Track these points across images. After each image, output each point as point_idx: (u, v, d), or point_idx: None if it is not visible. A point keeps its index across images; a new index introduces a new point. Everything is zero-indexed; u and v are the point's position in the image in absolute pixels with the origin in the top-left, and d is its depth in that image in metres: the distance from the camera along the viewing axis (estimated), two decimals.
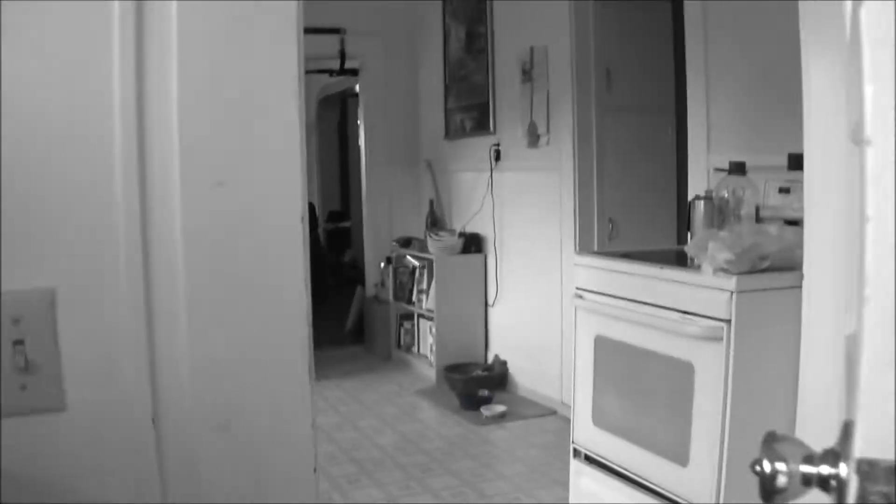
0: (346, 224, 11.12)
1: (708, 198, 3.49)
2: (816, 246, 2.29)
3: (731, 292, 2.77)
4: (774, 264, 2.89)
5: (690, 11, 4.20)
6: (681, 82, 5.50)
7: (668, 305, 3.01)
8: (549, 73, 5.47)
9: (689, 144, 4.25)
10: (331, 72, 7.98)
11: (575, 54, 5.22)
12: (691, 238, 3.53)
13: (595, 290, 3.40)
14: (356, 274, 8.12)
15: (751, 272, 2.84)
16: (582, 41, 5.22)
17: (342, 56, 7.44)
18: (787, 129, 3.64)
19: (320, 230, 11.06)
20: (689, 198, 4.05)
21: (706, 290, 2.87)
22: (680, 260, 3.60)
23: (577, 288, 3.51)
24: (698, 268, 2.96)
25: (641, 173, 5.42)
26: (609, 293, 3.31)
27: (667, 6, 5.28)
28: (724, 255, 2.83)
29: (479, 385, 5.90)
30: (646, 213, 5.41)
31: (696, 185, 4.13)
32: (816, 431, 2.27)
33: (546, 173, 5.54)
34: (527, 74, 5.67)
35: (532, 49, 5.60)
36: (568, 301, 5.18)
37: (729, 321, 2.78)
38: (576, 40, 5.21)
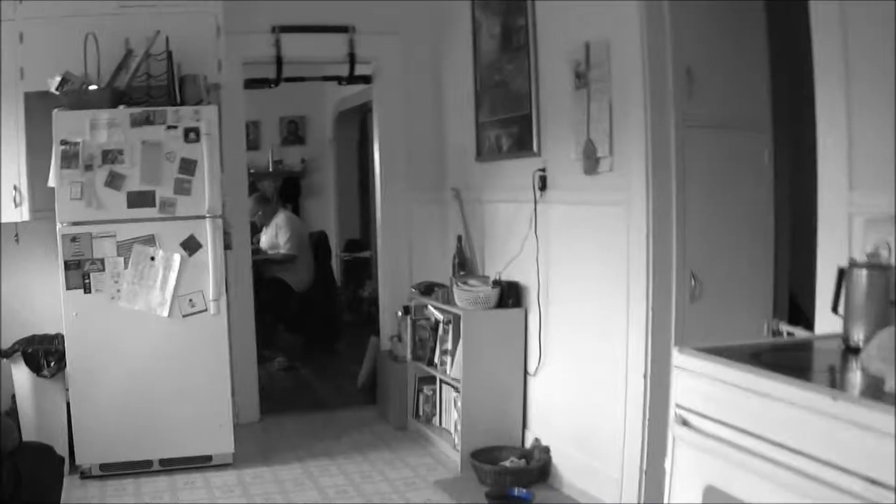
0: (366, 254, 10.24)
1: (878, 266, 2.29)
2: None
3: None
4: None
5: None
6: (778, 89, 4.42)
7: (843, 465, 1.80)
8: (611, 76, 4.34)
9: (820, 177, 3.05)
10: (339, 79, 7.04)
11: (647, 49, 4.08)
12: (848, 326, 2.34)
13: (711, 415, 2.18)
14: (376, 312, 7.18)
15: None
16: (656, 31, 4.08)
17: (351, 60, 6.55)
18: None
19: (335, 261, 10.16)
20: (821, 256, 2.90)
21: None
22: (829, 365, 2.39)
23: (680, 406, 2.30)
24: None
25: (733, 212, 4.29)
26: (737, 425, 2.09)
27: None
28: None
29: (514, 479, 4.85)
30: (735, 268, 4.30)
31: (831, 236, 2.94)
32: None
33: (608, 208, 4.41)
34: (582, 78, 4.55)
35: (588, 45, 4.48)
36: (635, 377, 4.16)
37: None
38: (647, 30, 4.08)
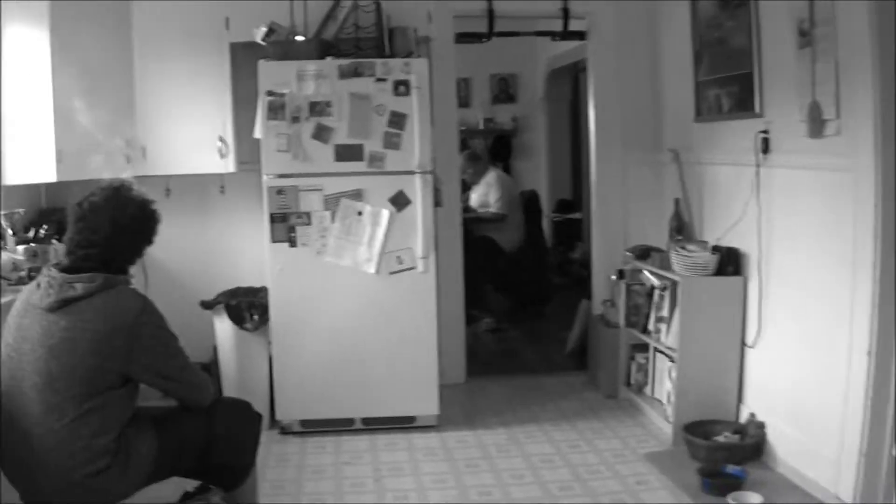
0: (577, 216, 10.20)
1: None
2: None
3: None
4: None
5: None
6: None
7: None
8: (837, 34, 4.18)
9: None
10: (553, 35, 7.05)
11: (874, 6, 3.91)
12: None
13: None
14: (587, 275, 7.22)
15: None
16: None
17: (565, 15, 6.52)
18: None
19: (546, 221, 10.23)
20: None
21: None
22: None
23: None
24: None
25: None
26: None
27: None
28: None
29: (727, 455, 4.78)
30: None
31: None
32: None
33: (834, 174, 4.27)
34: (805, 36, 4.40)
35: (812, 1, 4.33)
36: (858, 354, 4.03)
37: None
38: None
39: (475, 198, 8.84)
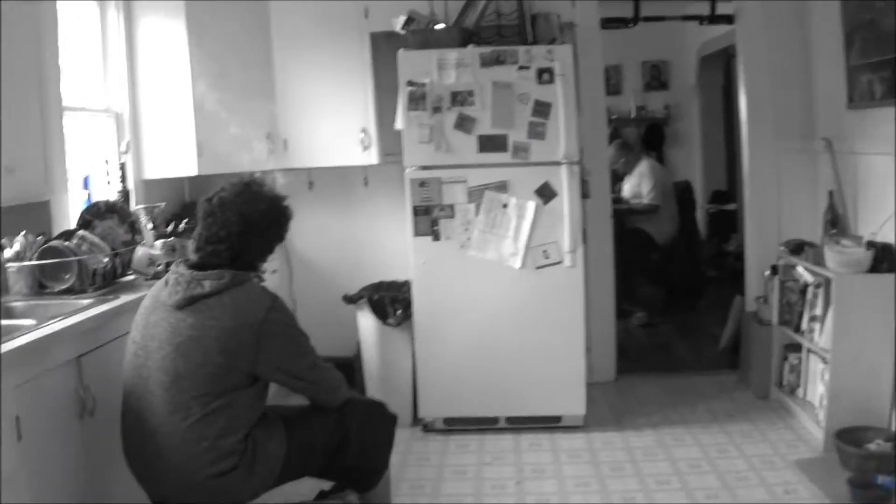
0: (732, 207, 9.94)
1: None
2: None
3: None
4: None
5: None
6: None
7: None
8: None
9: None
10: (700, 19, 6.89)
11: None
12: None
13: None
14: (741, 268, 6.99)
15: None
16: None
17: None
18: None
19: (700, 212, 9.98)
20: None
21: None
22: None
23: None
24: None
25: None
26: None
27: None
28: None
29: (878, 465, 4.55)
30: None
31: None
32: None
33: None
34: None
35: None
36: None
37: None
38: None
39: (627, 188, 8.71)
